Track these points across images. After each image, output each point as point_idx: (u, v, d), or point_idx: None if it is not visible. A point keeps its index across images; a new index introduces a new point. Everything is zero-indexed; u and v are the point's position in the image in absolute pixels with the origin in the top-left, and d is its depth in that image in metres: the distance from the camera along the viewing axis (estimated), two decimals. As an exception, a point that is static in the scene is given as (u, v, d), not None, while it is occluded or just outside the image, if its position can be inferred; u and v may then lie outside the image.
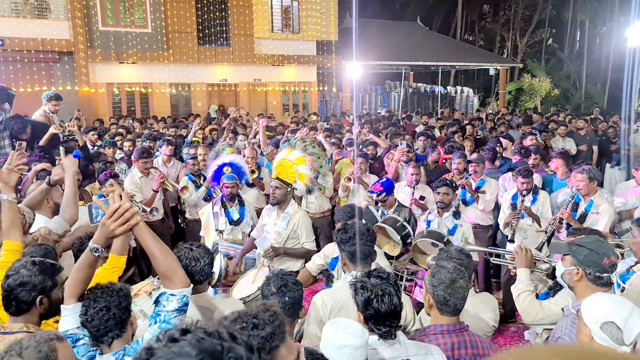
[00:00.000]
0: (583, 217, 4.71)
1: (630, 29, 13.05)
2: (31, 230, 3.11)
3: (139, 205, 5.33)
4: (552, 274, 3.12)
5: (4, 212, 2.79)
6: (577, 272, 2.50)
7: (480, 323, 2.77)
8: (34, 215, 3.24)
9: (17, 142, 4.58)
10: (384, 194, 5.02)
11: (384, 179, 5.44)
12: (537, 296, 3.00)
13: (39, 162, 4.71)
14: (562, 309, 2.61)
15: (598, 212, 4.65)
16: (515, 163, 6.01)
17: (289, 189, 4.35)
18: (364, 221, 3.51)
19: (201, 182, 6.12)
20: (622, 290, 2.88)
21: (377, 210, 4.84)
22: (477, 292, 3.01)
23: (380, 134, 9.24)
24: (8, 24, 14.19)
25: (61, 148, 4.41)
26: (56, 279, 2.28)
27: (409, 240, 4.10)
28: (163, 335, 0.98)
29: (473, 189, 5.58)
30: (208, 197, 6.12)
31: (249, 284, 3.82)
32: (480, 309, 2.83)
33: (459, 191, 5.49)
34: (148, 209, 5.37)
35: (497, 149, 7.07)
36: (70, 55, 15.36)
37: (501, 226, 5.39)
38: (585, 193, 4.73)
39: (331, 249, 3.76)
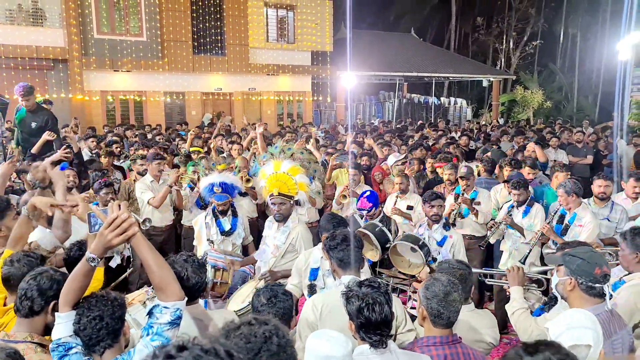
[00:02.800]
0: (566, 229, 4.80)
1: (620, 43, 13.26)
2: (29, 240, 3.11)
3: (134, 216, 5.33)
4: (545, 291, 3.15)
5: (19, 225, 2.86)
6: (570, 282, 2.53)
7: (477, 338, 2.78)
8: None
9: (10, 150, 4.55)
10: (373, 208, 5.04)
11: (368, 193, 5.45)
12: (531, 313, 3.02)
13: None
14: None
15: (581, 224, 4.72)
16: (509, 175, 6.04)
17: (292, 202, 4.33)
18: (373, 238, 3.52)
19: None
20: (610, 299, 2.92)
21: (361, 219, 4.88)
22: (475, 307, 3.01)
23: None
24: (2, 30, 14.19)
25: (46, 160, 4.41)
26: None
27: (387, 245, 4.10)
28: (160, 351, 0.98)
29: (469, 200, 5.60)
30: (204, 205, 6.10)
31: (242, 299, 3.80)
32: (480, 324, 2.84)
33: (456, 204, 5.50)
34: (141, 220, 5.36)
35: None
36: (65, 62, 15.36)
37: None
38: (566, 206, 4.81)
39: (301, 263, 3.73)
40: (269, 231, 4.45)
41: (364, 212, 4.97)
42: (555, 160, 8.53)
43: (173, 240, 6.20)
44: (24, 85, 6.08)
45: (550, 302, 3.10)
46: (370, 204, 4.99)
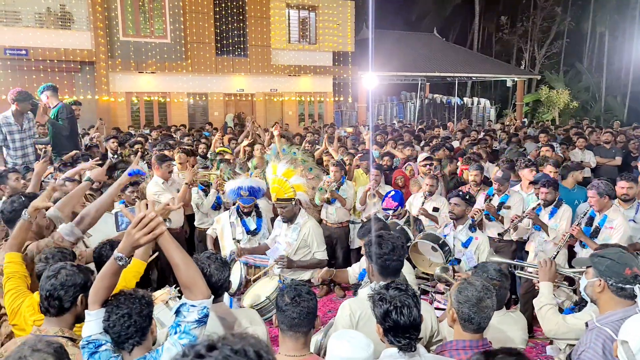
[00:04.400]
0: (596, 232, 4.68)
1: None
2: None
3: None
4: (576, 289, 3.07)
5: (17, 229, 2.87)
6: (600, 284, 2.46)
7: (508, 342, 2.73)
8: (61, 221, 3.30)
9: (42, 149, 4.66)
10: (399, 207, 5.03)
11: (393, 192, 5.42)
12: (561, 311, 2.95)
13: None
14: (586, 323, 2.57)
15: (612, 226, 4.60)
16: (536, 175, 5.92)
17: (293, 203, 4.37)
18: (396, 234, 3.49)
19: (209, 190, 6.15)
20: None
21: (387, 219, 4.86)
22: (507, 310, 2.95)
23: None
24: (32, 34, 14.55)
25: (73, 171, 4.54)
26: (91, 279, 2.36)
27: (407, 244, 4.06)
28: (189, 350, 0.97)
29: (496, 204, 5.51)
30: (217, 206, 6.15)
31: (257, 293, 3.83)
32: (510, 327, 2.79)
33: (481, 209, 5.42)
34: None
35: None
36: (92, 65, 15.68)
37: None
38: (598, 208, 4.69)
39: (365, 264, 3.76)
40: (279, 230, 4.54)
41: (390, 212, 4.96)
42: (582, 162, 8.34)
43: (185, 242, 6.22)
44: (19, 91, 6.19)
45: (581, 302, 3.02)
46: (396, 203, 5.00)
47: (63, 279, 2.30)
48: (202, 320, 2.03)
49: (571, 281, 3.45)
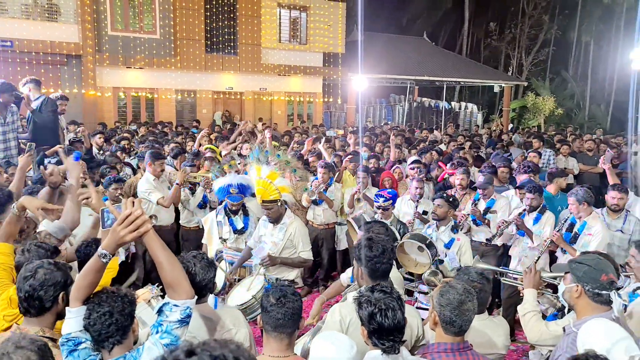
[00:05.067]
0: (575, 238, 4.76)
1: (634, 52, 13.14)
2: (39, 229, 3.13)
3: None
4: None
5: (7, 223, 2.84)
6: (577, 289, 2.51)
7: (491, 346, 2.76)
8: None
9: (28, 144, 4.58)
10: (390, 201, 5.06)
11: (389, 190, 5.46)
12: (544, 317, 2.99)
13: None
14: (564, 328, 2.60)
15: (590, 233, 4.68)
16: (522, 181, 6.00)
17: (279, 204, 4.37)
18: (386, 237, 3.49)
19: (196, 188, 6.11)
20: (625, 310, 2.88)
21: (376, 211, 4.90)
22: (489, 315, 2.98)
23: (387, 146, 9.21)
24: (18, 25, 14.32)
25: (60, 150, 4.45)
26: (70, 275, 2.32)
27: (436, 259, 4.09)
28: (168, 355, 0.97)
29: (483, 209, 5.56)
30: (204, 204, 6.12)
31: (243, 292, 3.81)
32: (493, 332, 2.81)
33: (467, 214, 5.47)
34: (147, 215, 5.38)
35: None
36: (78, 58, 15.47)
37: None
38: (577, 215, 4.77)
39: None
40: (264, 229, 4.53)
41: (381, 200, 4.98)
42: (565, 168, 8.46)
43: (174, 239, 6.21)
44: (1, 82, 6.07)
45: (564, 308, 3.06)
46: (390, 196, 5.04)
47: (42, 278, 2.23)
48: (184, 321, 2.02)
49: (555, 288, 3.50)
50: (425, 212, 5.72)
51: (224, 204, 4.91)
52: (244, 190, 4.73)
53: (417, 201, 5.76)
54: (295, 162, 5.75)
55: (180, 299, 2.00)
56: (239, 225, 4.81)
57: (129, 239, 1.98)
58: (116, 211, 2.06)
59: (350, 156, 7.20)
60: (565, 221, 4.84)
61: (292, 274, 4.44)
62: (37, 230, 3.18)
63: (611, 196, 5.06)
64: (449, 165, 7.17)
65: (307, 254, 4.45)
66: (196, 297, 2.11)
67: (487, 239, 5.41)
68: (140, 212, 1.97)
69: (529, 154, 8.18)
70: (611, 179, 5.67)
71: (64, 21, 15.21)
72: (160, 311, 2.03)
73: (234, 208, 4.80)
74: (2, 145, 6.12)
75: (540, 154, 8.41)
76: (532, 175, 6.26)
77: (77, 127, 10.26)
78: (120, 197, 5.11)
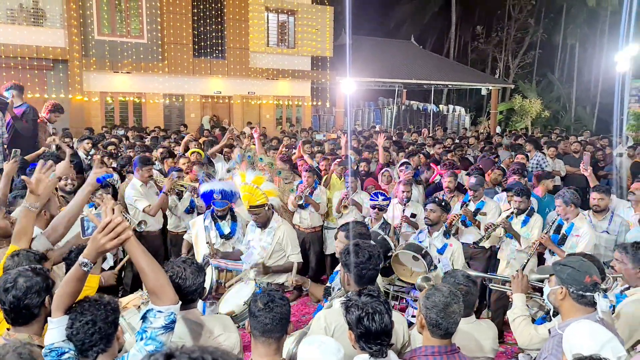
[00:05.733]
0: (563, 240, 4.80)
1: (619, 55, 13.34)
2: None
3: (127, 217, 5.30)
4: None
5: (20, 218, 2.83)
6: (561, 291, 2.53)
7: (478, 349, 2.77)
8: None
9: (13, 150, 4.53)
10: (388, 201, 5.08)
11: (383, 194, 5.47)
12: (533, 321, 3.01)
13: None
14: (549, 330, 2.62)
15: (578, 234, 4.72)
16: (510, 183, 6.04)
17: (266, 208, 4.37)
18: (373, 242, 3.49)
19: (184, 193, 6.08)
20: (613, 312, 2.91)
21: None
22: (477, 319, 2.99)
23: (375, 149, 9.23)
24: (3, 30, 14.17)
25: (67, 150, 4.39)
26: (50, 277, 2.30)
27: (389, 254, 4.08)
28: (148, 359, 0.97)
29: (472, 210, 5.59)
30: (191, 209, 6.09)
31: (235, 299, 3.79)
32: (481, 335, 2.83)
33: (457, 214, 5.48)
34: (136, 222, 5.34)
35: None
36: (65, 63, 15.33)
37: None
38: (564, 216, 4.82)
39: (339, 266, 3.75)
40: (252, 234, 4.53)
41: (380, 198, 4.99)
42: (552, 170, 8.53)
43: (163, 244, 6.16)
44: None
45: (552, 311, 3.08)
46: (384, 197, 5.06)
47: (23, 286, 2.19)
48: (169, 326, 2.00)
49: (543, 292, 3.53)
50: (413, 215, 5.73)
51: (211, 208, 4.89)
52: (228, 196, 4.71)
53: (405, 204, 5.78)
54: (279, 163, 5.75)
55: (163, 304, 1.99)
56: (226, 230, 4.79)
57: (109, 247, 1.96)
58: (96, 219, 2.04)
59: (338, 160, 7.20)
60: (553, 223, 4.88)
61: (282, 278, 4.44)
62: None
63: (592, 197, 5.17)
64: (439, 166, 7.21)
65: (296, 257, 4.45)
66: (181, 302, 2.10)
67: (474, 243, 5.43)
68: (120, 220, 1.95)
69: (516, 157, 8.24)
70: (592, 182, 5.75)
71: (50, 26, 15.07)
72: (144, 317, 2.01)
73: (219, 214, 4.79)
74: (-13, 151, 6.05)
75: (527, 157, 8.48)
76: (520, 177, 6.32)
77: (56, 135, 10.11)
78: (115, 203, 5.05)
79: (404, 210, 5.73)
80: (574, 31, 29.44)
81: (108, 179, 3.80)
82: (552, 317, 3.06)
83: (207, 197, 4.73)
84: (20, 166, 5.31)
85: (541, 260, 5.23)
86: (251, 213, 4.39)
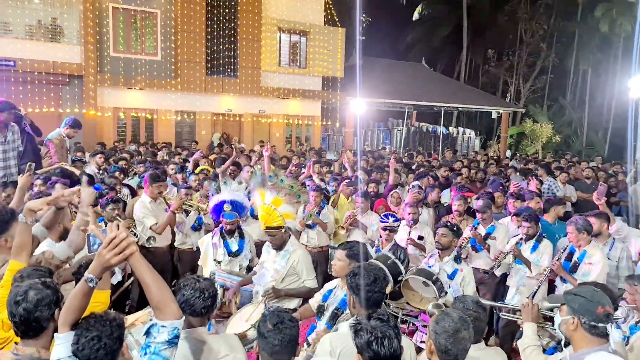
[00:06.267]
0: (575, 267, 4.71)
1: (632, 80, 13.30)
2: (35, 252, 3.10)
3: (136, 233, 5.31)
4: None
5: (18, 234, 2.84)
6: (573, 322, 2.48)
7: None
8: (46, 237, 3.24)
9: (27, 164, 4.58)
10: (399, 222, 5.04)
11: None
12: (544, 351, 2.95)
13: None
14: None
15: (590, 262, 4.64)
16: (519, 208, 5.98)
17: (283, 231, 4.30)
18: (380, 265, 3.45)
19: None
20: (627, 343, 2.83)
21: (372, 246, 4.83)
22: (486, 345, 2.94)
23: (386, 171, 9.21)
24: (21, 45, 14.47)
25: (83, 177, 4.47)
26: (60, 291, 2.32)
27: (399, 278, 4.03)
28: None
29: (482, 235, 5.53)
30: (198, 227, 6.09)
31: (242, 321, 3.75)
32: None
33: (467, 237, 5.43)
34: (145, 237, 5.35)
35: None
36: (80, 78, 15.60)
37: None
38: (576, 244, 4.74)
39: (329, 285, 3.72)
40: (267, 256, 4.44)
41: (391, 220, 4.94)
42: (564, 196, 8.44)
43: (170, 260, 6.16)
44: (1, 101, 6.12)
45: (561, 341, 3.01)
46: (394, 219, 5.02)
47: (34, 299, 2.21)
48: (172, 341, 1.99)
49: (554, 321, 3.46)
50: (420, 237, 5.68)
51: (220, 226, 4.88)
52: (238, 208, 4.70)
53: (411, 226, 5.73)
54: (299, 186, 5.72)
55: (167, 319, 1.99)
56: (234, 247, 4.77)
57: (114, 262, 1.98)
58: (101, 235, 2.06)
59: (346, 180, 7.20)
60: (564, 250, 4.81)
61: (293, 303, 4.31)
62: (41, 251, 3.15)
63: (568, 231, 5.02)
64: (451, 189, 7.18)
65: (311, 282, 4.33)
66: (184, 318, 2.09)
67: (484, 271, 5.36)
68: (125, 235, 1.97)
69: (530, 181, 8.12)
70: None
71: (67, 42, 15.38)
72: (148, 332, 2.01)
73: (228, 227, 4.75)
74: (2, 164, 6.12)
75: (541, 182, 8.37)
76: (515, 200, 6.23)
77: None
78: (118, 217, 5.09)
79: (409, 233, 5.69)
80: (586, 56, 29.48)
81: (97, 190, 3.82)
82: (563, 347, 3.00)
83: (218, 208, 4.73)
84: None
85: (551, 288, 5.15)
86: (267, 234, 4.33)
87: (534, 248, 5.15)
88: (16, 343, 2.31)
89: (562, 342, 2.72)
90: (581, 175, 10.06)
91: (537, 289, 4.61)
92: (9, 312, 2.24)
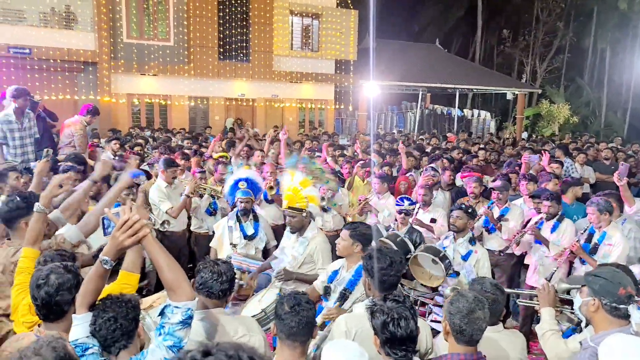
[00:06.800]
0: (595, 249, 4.66)
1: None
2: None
3: (151, 217, 5.38)
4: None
5: (33, 222, 2.88)
6: (594, 303, 2.46)
7: (504, 359, 2.70)
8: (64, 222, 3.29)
9: (45, 150, 4.64)
10: (414, 205, 5.01)
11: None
12: (562, 333, 2.92)
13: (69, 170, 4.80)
14: (580, 342, 2.54)
15: (610, 243, 4.59)
16: (537, 190, 5.89)
17: (303, 214, 4.25)
18: (395, 247, 3.44)
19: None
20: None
21: (388, 229, 4.81)
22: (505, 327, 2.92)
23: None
24: (36, 33, 14.56)
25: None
26: (80, 276, 2.35)
27: (408, 256, 4.02)
28: (184, 355, 0.99)
29: (496, 217, 5.48)
30: (213, 211, 6.13)
31: (255, 304, 3.78)
32: (508, 345, 2.76)
33: (482, 219, 5.40)
34: (160, 221, 5.42)
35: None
36: (94, 65, 15.69)
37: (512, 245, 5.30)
38: (597, 225, 4.67)
39: (333, 265, 3.72)
40: (287, 241, 4.42)
41: (406, 203, 4.93)
42: (580, 177, 8.31)
43: (187, 244, 6.23)
44: (15, 87, 6.19)
45: (581, 322, 2.98)
46: (410, 202, 5.00)
47: (55, 283, 2.25)
48: (186, 322, 2.03)
49: (572, 303, 3.42)
50: (433, 220, 5.64)
51: (235, 209, 4.91)
52: (253, 186, 4.71)
53: (422, 208, 5.69)
54: (329, 173, 5.69)
55: (180, 300, 2.02)
56: (250, 231, 4.80)
57: (128, 244, 2.02)
58: (115, 218, 2.09)
59: (361, 162, 7.16)
60: (584, 231, 4.74)
61: (303, 288, 4.32)
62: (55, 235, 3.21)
63: (589, 212, 4.97)
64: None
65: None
66: (197, 299, 2.11)
67: (500, 251, 5.33)
68: (138, 217, 2.00)
69: (550, 165, 7.93)
70: (623, 193, 5.35)
71: (80, 29, 15.44)
72: (162, 313, 2.05)
73: (243, 205, 4.75)
74: (20, 150, 6.21)
75: (562, 164, 8.18)
76: (528, 182, 6.13)
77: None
78: (132, 202, 5.14)
79: (416, 212, 5.61)
80: (605, 35, 28.74)
81: (139, 177, 3.88)
82: (583, 329, 2.97)
83: (233, 189, 4.75)
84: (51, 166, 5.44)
85: (571, 269, 5.10)
86: (287, 214, 4.29)
87: (555, 228, 5.09)
88: (38, 325, 2.36)
89: (582, 324, 2.70)
90: (600, 156, 9.87)
91: (555, 270, 4.56)
92: (31, 295, 2.29)
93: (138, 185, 5.60)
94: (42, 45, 14.53)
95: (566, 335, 3.01)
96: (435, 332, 3.08)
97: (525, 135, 22.78)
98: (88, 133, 7.60)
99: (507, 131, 25.11)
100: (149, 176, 7.22)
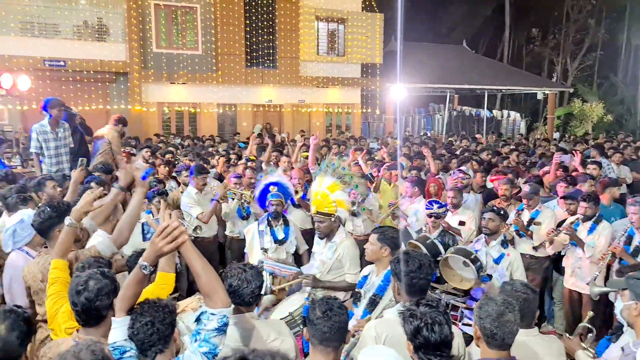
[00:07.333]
0: (636, 251, 4.47)
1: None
2: (87, 245, 3.23)
3: (183, 223, 5.47)
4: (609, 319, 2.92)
5: (63, 235, 2.95)
6: (636, 307, 2.38)
7: None
8: (95, 229, 3.38)
9: (80, 159, 4.79)
10: (444, 208, 4.95)
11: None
12: (598, 336, 2.83)
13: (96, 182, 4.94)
14: (622, 348, 2.46)
15: None
16: (570, 191, 5.75)
17: (332, 219, 4.22)
18: (424, 250, 3.40)
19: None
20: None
21: (420, 232, 4.76)
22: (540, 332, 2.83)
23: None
24: (70, 46, 15.05)
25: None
26: (117, 281, 2.41)
27: (438, 259, 3.96)
28: None
29: (527, 220, 5.36)
30: (246, 216, 6.18)
31: (284, 307, 3.79)
32: (544, 350, 2.68)
33: (509, 224, 5.29)
34: (192, 227, 5.51)
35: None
36: (125, 75, 16.10)
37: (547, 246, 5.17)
38: (638, 225, 4.50)
39: (363, 271, 3.70)
40: (317, 247, 4.41)
41: (435, 207, 4.88)
42: (618, 177, 8.05)
43: (217, 250, 6.30)
44: (50, 99, 6.44)
45: (617, 331, 2.88)
46: (439, 205, 4.95)
47: (95, 288, 2.31)
48: (221, 329, 2.05)
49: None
50: (462, 223, 5.56)
51: (267, 213, 4.95)
52: (284, 190, 4.73)
53: (452, 211, 5.61)
54: (359, 177, 5.71)
55: (216, 307, 2.04)
56: (280, 235, 4.82)
57: (167, 250, 2.05)
58: (155, 224, 2.13)
59: (386, 164, 7.11)
60: (624, 233, 4.58)
61: (341, 295, 4.18)
62: (91, 244, 3.28)
63: (631, 212, 4.75)
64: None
65: (353, 277, 4.10)
66: (233, 306, 2.13)
67: (534, 247, 5.21)
68: (177, 224, 2.03)
69: (587, 167, 7.67)
70: None
71: (112, 40, 15.88)
72: (198, 320, 2.08)
73: (273, 208, 4.77)
74: (55, 160, 6.41)
75: (600, 165, 7.89)
76: (567, 185, 5.95)
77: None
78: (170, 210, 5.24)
79: (441, 214, 5.51)
80: (639, 30, 27.84)
81: (150, 173, 3.93)
82: (617, 337, 2.87)
83: (264, 193, 4.79)
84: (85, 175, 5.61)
85: (609, 272, 4.94)
86: (316, 219, 4.26)
87: (591, 229, 4.94)
88: (77, 330, 2.42)
89: (624, 328, 2.61)
90: (637, 156, 9.56)
91: (597, 275, 4.41)
92: (71, 302, 2.35)
93: (165, 193, 5.71)
94: (76, 57, 14.99)
95: (602, 344, 2.91)
96: (468, 337, 3.03)
97: (557, 135, 22.23)
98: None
99: (538, 131, 24.54)
100: (179, 184, 7.36)
